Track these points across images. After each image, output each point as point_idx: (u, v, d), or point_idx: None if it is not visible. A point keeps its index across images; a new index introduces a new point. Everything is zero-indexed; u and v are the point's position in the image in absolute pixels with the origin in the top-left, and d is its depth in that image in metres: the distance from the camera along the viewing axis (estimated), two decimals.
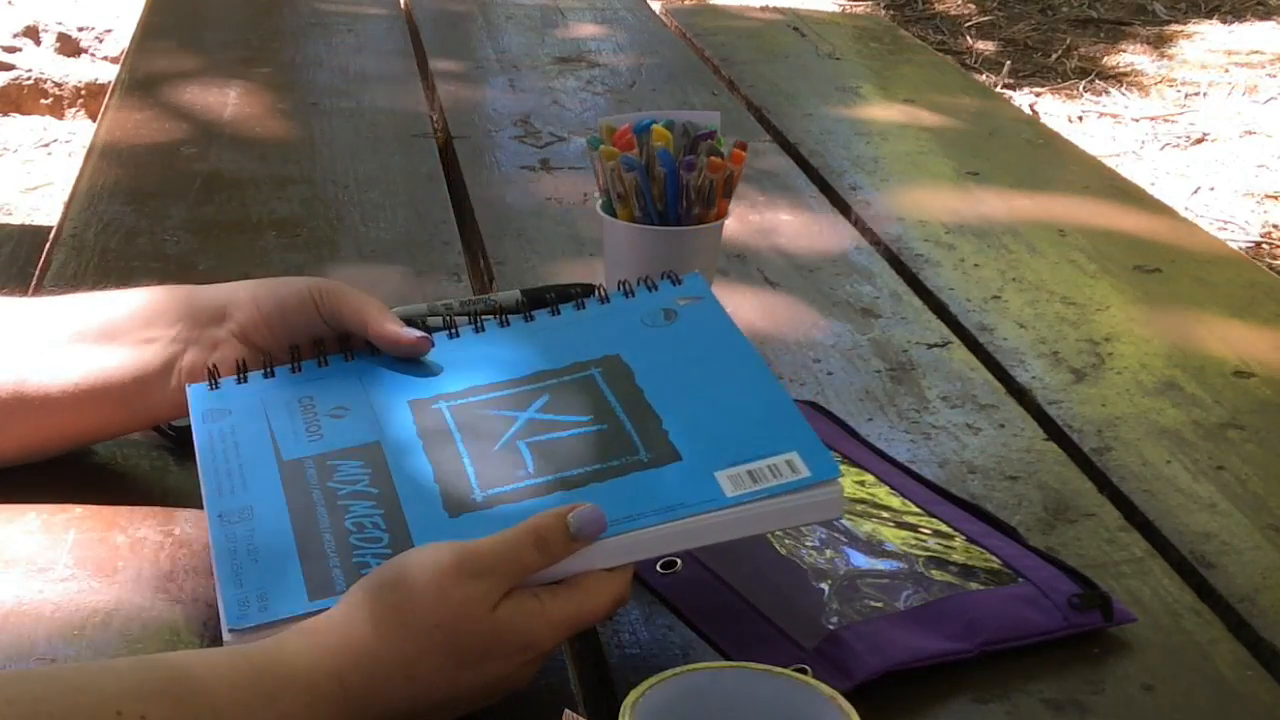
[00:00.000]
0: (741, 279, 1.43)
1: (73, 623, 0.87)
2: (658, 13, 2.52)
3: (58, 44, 3.93)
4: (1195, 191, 3.54)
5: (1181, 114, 4.07)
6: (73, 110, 3.87)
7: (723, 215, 1.18)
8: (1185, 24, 4.89)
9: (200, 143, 1.72)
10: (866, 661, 0.84)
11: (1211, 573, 0.99)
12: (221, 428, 0.93)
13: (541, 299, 1.04)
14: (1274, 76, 4.38)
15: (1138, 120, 4.03)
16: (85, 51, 3.94)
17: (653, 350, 0.96)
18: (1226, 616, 0.95)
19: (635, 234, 1.17)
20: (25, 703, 0.69)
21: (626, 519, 0.82)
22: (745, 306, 1.36)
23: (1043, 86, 4.28)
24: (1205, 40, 4.74)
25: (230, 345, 0.99)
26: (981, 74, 4.31)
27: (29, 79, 3.87)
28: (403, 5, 2.42)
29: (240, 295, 1.00)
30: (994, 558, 0.95)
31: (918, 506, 1.00)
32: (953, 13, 5.01)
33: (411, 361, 0.97)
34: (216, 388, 0.96)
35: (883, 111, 2.02)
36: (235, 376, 0.97)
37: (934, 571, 0.93)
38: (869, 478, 1.03)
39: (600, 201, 1.19)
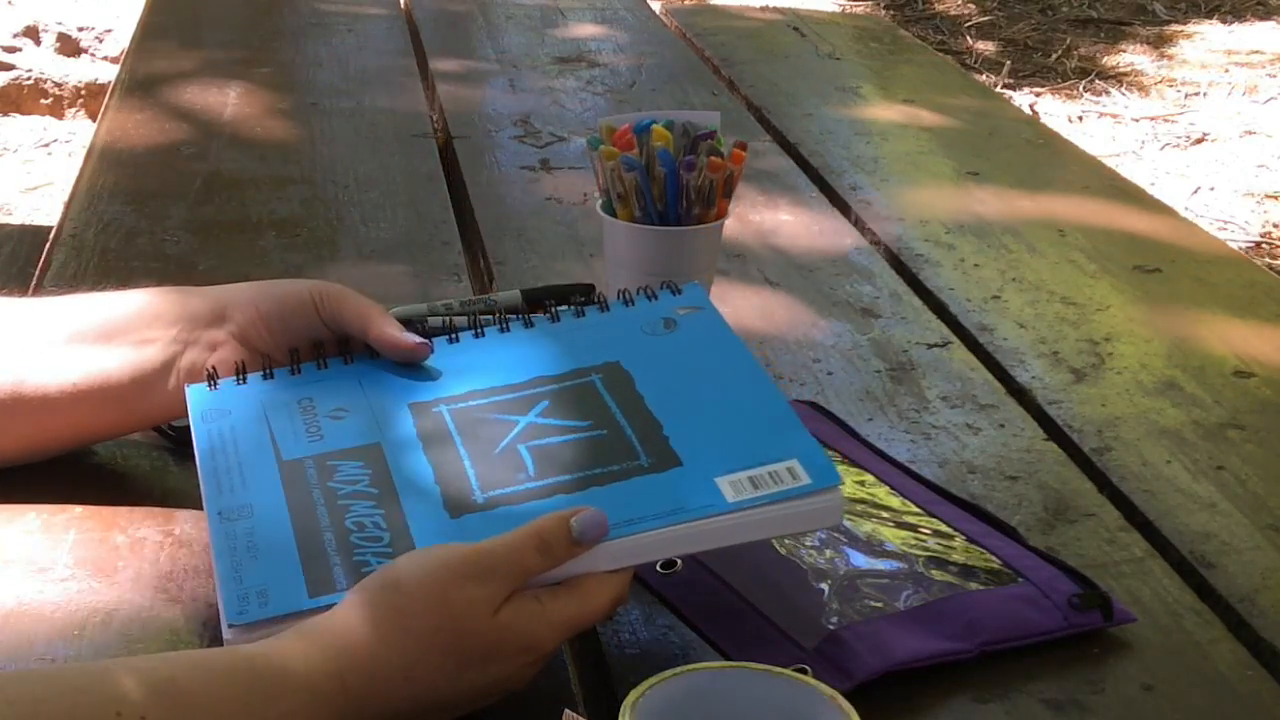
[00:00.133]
0: (741, 279, 1.43)
1: (73, 623, 0.87)
2: (658, 13, 2.52)
3: (58, 44, 3.93)
4: (1195, 191, 3.54)
5: (1181, 114, 4.07)
6: (73, 110, 3.87)
7: (723, 215, 1.18)
8: (1185, 24, 4.89)
9: (200, 143, 1.72)
10: (866, 661, 0.84)
11: (1211, 573, 0.99)
12: (221, 427, 0.93)
13: (541, 299, 1.04)
14: (1274, 76, 4.38)
15: (1138, 120, 4.03)
16: (85, 51, 3.94)
17: (653, 358, 0.96)
18: (1226, 616, 0.95)
19: (635, 234, 1.17)
20: (25, 703, 0.69)
21: (627, 523, 0.82)
22: (745, 306, 1.36)
23: (1043, 86, 4.28)
24: (1205, 40, 4.74)
25: (229, 346, 0.99)
26: (981, 74, 4.31)
27: (29, 79, 3.87)
28: (403, 5, 2.42)
29: (240, 297, 1.00)
30: (994, 558, 0.95)
31: (918, 506, 1.00)
32: (953, 13, 5.01)
33: (411, 366, 0.97)
34: (215, 388, 0.96)
35: (883, 111, 2.02)
36: (234, 378, 0.97)
37: (934, 571, 0.93)
38: (869, 478, 1.03)
39: (600, 201, 1.19)
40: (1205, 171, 3.67)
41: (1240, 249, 2.95)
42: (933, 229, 1.58)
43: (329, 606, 0.79)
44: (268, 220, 1.50)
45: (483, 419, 0.93)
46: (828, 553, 0.94)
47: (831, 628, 0.87)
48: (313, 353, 0.99)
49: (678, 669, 0.73)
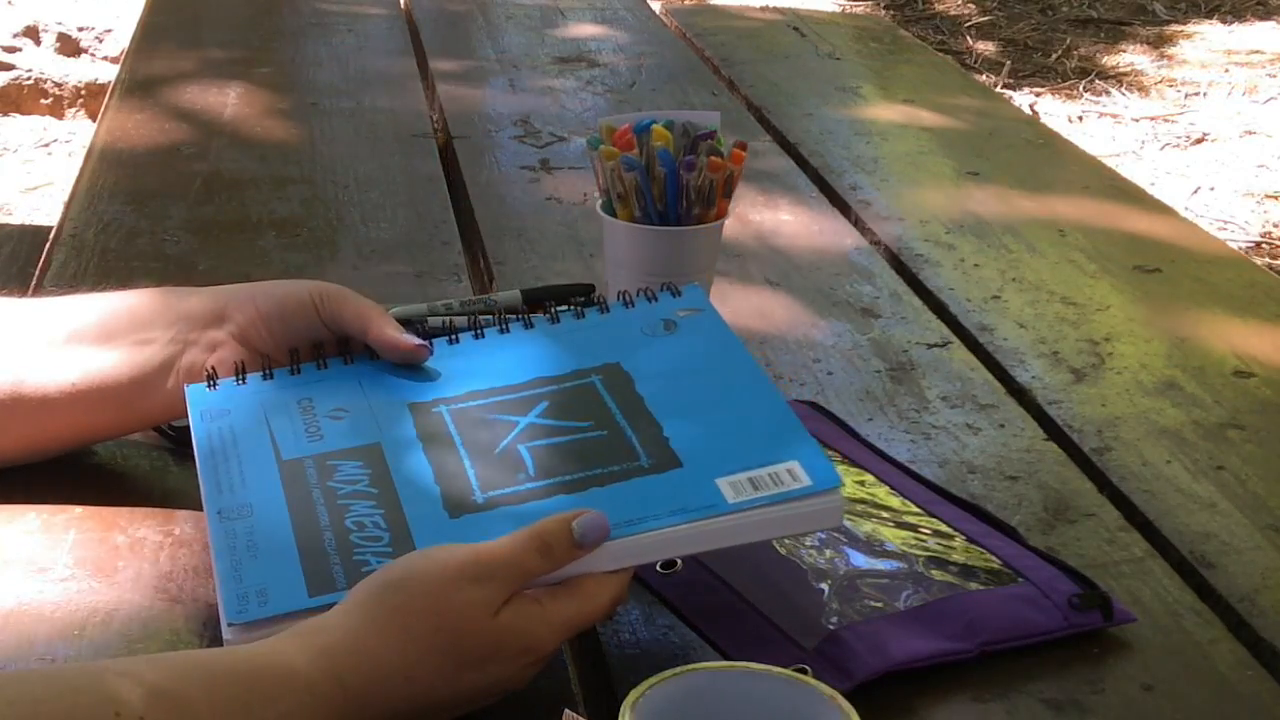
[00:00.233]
0: (741, 279, 1.43)
1: (73, 623, 0.87)
2: (658, 13, 2.52)
3: (58, 44, 3.93)
4: (1195, 191, 3.54)
5: (1181, 114, 4.07)
6: (73, 110, 3.87)
7: (723, 215, 1.18)
8: (1185, 24, 4.89)
9: (200, 143, 1.72)
10: (866, 661, 0.84)
11: (1211, 573, 0.99)
12: (220, 427, 0.93)
13: (541, 300, 1.04)
14: (1274, 76, 4.38)
15: (1138, 120, 4.03)
16: (85, 51, 3.94)
17: (653, 359, 0.96)
18: (1226, 616, 0.95)
19: (635, 234, 1.17)
20: (25, 703, 0.69)
21: (628, 523, 0.82)
22: (745, 307, 1.36)
23: (1043, 86, 4.28)
24: (1205, 40, 4.74)
25: (229, 347, 0.98)
26: (981, 74, 4.31)
27: (29, 79, 3.87)
28: (403, 5, 2.43)
29: (239, 297, 1.00)
30: (994, 558, 0.95)
31: (917, 506, 1.00)
32: (953, 13, 5.01)
33: (411, 367, 0.97)
34: (215, 388, 0.96)
35: (883, 111, 2.02)
36: (234, 378, 0.97)
37: (934, 571, 0.93)
38: (869, 478, 1.03)
39: (600, 201, 1.19)
40: (1205, 171, 3.67)
41: (1240, 249, 2.95)
42: (933, 229, 1.58)
43: (329, 606, 0.79)
44: (268, 220, 1.50)
45: (482, 419, 0.93)
46: (828, 553, 0.94)
47: (831, 628, 0.87)
48: (312, 353, 0.99)
49: (678, 669, 0.73)
